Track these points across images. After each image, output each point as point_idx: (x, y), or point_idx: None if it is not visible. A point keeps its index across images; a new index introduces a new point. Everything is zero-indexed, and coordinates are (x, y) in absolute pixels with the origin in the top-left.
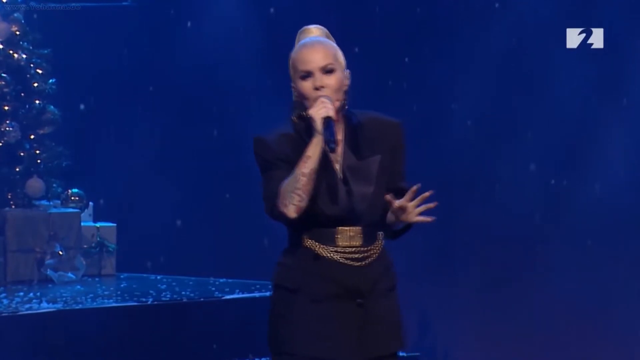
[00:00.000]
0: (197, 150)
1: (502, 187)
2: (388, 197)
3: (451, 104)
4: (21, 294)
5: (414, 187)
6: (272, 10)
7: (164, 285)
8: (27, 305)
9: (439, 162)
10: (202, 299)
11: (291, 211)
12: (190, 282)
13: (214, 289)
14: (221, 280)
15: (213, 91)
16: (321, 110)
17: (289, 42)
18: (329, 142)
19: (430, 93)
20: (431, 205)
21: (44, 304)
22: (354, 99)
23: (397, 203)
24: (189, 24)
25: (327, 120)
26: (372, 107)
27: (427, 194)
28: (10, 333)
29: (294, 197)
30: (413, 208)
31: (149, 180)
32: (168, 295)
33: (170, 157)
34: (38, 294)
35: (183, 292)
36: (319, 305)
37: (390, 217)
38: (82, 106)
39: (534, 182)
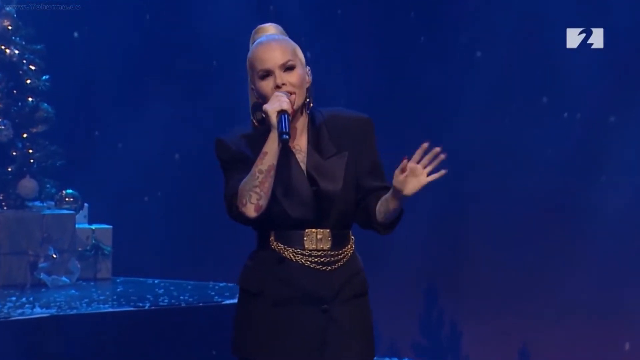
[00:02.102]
0: (197, 151)
1: (512, 121)
2: (404, 160)
3: (459, 36)
4: (13, 298)
5: (424, 145)
6: None
7: (162, 290)
8: (20, 310)
9: (446, 92)
10: (201, 304)
11: (250, 210)
12: (189, 286)
13: (213, 293)
14: (221, 284)
15: (213, 90)
16: (275, 104)
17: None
18: (281, 134)
19: (438, 24)
20: (442, 156)
21: (37, 309)
22: (359, 32)
23: (409, 164)
24: (185, 19)
25: (282, 114)
26: (380, 37)
27: (437, 149)
28: (2, 339)
29: (252, 196)
30: (423, 168)
31: (146, 181)
32: (166, 300)
33: (169, 157)
34: (31, 298)
35: (181, 297)
36: (280, 310)
37: (381, 207)
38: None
39: (545, 115)
